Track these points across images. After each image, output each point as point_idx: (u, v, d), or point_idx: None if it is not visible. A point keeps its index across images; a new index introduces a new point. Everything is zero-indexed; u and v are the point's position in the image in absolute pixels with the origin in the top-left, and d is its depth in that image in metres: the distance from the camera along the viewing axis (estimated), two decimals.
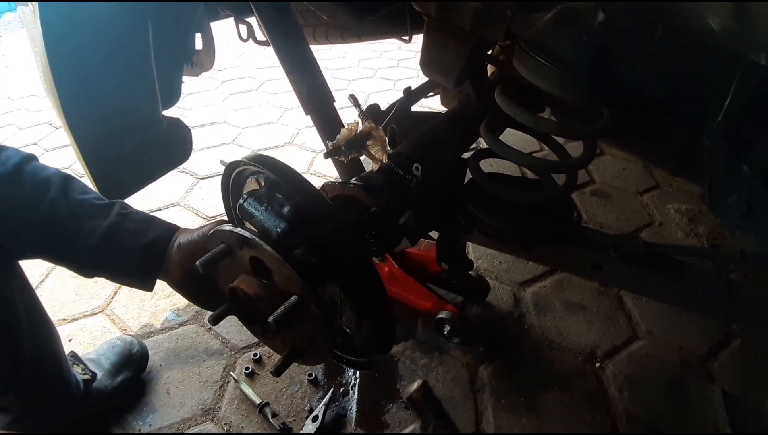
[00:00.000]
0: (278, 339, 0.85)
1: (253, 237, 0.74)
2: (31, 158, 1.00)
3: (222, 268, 0.84)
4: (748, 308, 1.06)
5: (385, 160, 0.94)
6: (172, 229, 1.03)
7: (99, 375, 1.28)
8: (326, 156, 0.92)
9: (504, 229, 1.09)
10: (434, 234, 1.38)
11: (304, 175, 2.26)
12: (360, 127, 0.92)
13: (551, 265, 1.21)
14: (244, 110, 2.95)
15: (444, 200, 1.10)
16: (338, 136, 0.91)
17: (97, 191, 1.16)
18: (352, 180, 0.95)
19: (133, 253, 0.98)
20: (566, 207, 1.16)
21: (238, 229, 0.76)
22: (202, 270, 0.77)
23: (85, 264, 1.01)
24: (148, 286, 1.03)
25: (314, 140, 2.55)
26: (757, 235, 0.99)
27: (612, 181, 2.24)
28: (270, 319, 0.70)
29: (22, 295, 1.01)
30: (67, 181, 1.00)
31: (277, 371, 0.77)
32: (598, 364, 1.41)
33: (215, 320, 0.79)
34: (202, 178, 2.25)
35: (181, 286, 1.00)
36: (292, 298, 0.72)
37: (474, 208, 1.10)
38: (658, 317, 1.56)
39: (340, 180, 1.18)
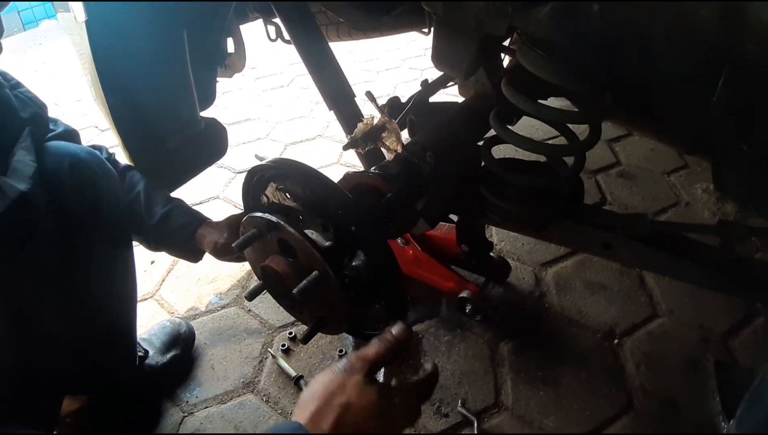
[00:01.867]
0: (306, 311, 0.95)
1: (280, 220, 0.84)
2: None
3: (255, 250, 0.96)
4: (760, 283, 1.09)
5: (400, 150, 1.02)
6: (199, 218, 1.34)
7: (151, 353, 1.43)
8: (345, 148, 1.01)
9: (515, 211, 1.15)
10: (454, 217, 1.46)
11: (335, 165, 2.34)
12: (375, 121, 1.01)
13: (565, 245, 1.27)
14: (277, 106, 3.07)
15: (458, 185, 1.17)
16: (355, 130, 1.00)
17: None
18: (371, 169, 1.04)
19: (178, 233, 1.26)
20: (576, 187, 1.22)
21: (267, 215, 0.86)
22: (238, 250, 0.90)
23: (150, 240, 1.32)
24: (194, 258, 1.37)
25: (343, 133, 2.64)
26: (761, 212, 1.03)
27: (639, 163, 2.24)
28: (294, 290, 0.80)
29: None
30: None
31: (305, 339, 0.88)
32: (616, 341, 1.46)
33: (251, 296, 0.91)
34: (239, 172, 2.38)
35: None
36: (313, 272, 0.82)
37: (487, 192, 1.17)
38: (679, 296, 1.59)
39: (362, 169, 1.27)
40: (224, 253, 1.30)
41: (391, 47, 3.77)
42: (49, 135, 1.13)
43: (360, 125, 0.99)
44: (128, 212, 1.24)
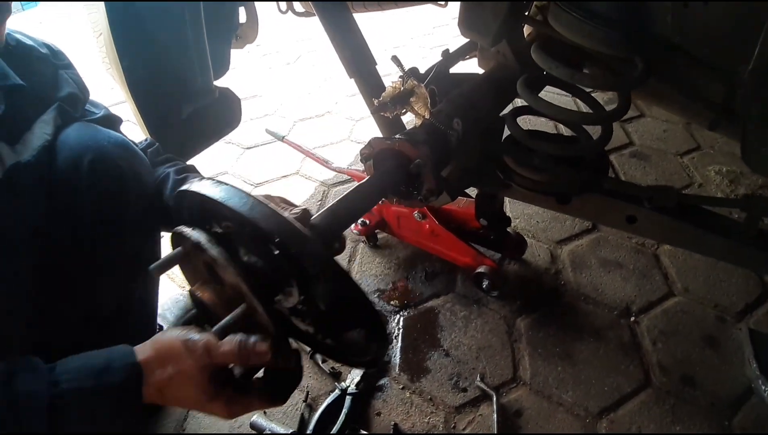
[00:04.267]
0: None
1: (201, 240, 0.70)
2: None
3: (189, 271, 0.82)
4: None
5: (427, 115, 1.00)
6: None
7: (165, 327, 1.41)
8: (373, 112, 0.99)
9: (541, 181, 1.13)
10: (472, 193, 1.45)
11: (345, 141, 2.31)
12: (404, 85, 0.98)
13: (587, 218, 1.25)
14: (285, 82, 3.03)
15: (483, 155, 1.15)
16: (383, 93, 0.98)
17: None
18: (397, 135, 1.02)
19: None
20: (601, 160, 1.20)
21: (190, 231, 0.71)
22: (156, 274, 0.73)
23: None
24: None
25: (353, 109, 2.62)
26: None
27: (652, 143, 2.22)
28: (213, 329, 0.67)
29: None
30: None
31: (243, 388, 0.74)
32: (633, 319, 1.46)
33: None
34: (248, 148, 2.35)
35: None
36: (239, 307, 0.68)
37: (512, 162, 1.15)
38: (694, 275, 1.58)
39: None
40: None
41: (396, 23, 3.72)
42: (89, 117, 1.08)
43: (389, 88, 0.97)
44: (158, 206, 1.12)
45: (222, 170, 2.20)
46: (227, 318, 0.68)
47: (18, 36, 1.00)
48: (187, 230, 0.72)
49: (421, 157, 0.97)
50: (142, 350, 0.73)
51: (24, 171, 0.92)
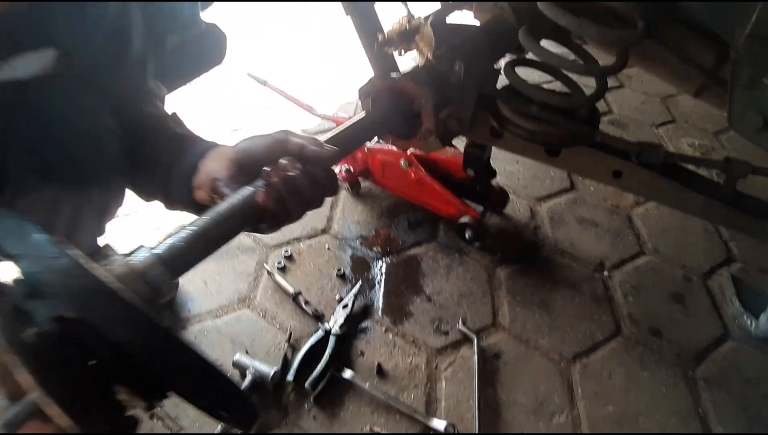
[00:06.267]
0: None
1: None
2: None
3: None
4: (754, 219, 1.14)
5: (430, 56, 0.99)
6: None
7: None
8: (377, 47, 0.97)
9: (535, 131, 1.15)
10: (460, 146, 1.46)
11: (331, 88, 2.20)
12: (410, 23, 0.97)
13: (574, 170, 1.29)
14: (274, 25, 2.90)
15: (480, 101, 1.16)
16: (389, 30, 0.96)
17: None
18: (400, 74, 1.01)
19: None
20: (593, 115, 1.22)
21: None
22: None
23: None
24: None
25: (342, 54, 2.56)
26: None
27: (630, 113, 2.28)
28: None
29: None
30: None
31: None
32: (606, 273, 1.52)
33: None
34: (226, 92, 2.28)
35: None
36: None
37: (508, 111, 1.16)
38: (664, 238, 1.66)
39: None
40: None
41: None
42: None
43: (395, 25, 0.96)
44: None
45: (197, 113, 2.12)
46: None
47: None
48: None
49: (423, 96, 0.97)
50: None
51: None
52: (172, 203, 0.91)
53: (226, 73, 2.31)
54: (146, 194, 1.00)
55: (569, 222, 1.67)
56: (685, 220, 1.74)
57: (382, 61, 1.28)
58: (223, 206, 0.66)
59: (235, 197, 0.67)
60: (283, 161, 0.69)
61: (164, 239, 0.60)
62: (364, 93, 1.04)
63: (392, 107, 1.00)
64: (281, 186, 0.67)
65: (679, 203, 1.22)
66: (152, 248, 0.58)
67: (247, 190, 0.68)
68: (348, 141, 0.92)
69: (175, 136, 0.92)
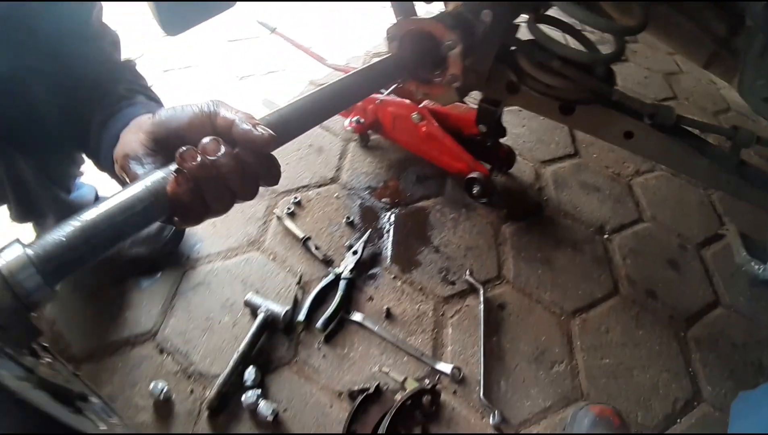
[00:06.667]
0: None
1: None
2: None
3: None
4: (755, 187, 1.18)
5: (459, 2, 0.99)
6: None
7: None
8: None
9: (554, 86, 1.17)
10: (473, 104, 1.47)
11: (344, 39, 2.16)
12: None
13: (585, 130, 1.31)
14: None
15: (502, 51, 1.17)
16: None
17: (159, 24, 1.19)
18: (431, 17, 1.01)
19: None
20: (610, 74, 1.24)
21: None
22: None
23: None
24: None
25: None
26: None
27: (632, 87, 2.30)
28: None
29: None
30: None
31: None
32: (606, 236, 1.56)
33: None
34: (233, 41, 2.24)
35: None
36: None
37: (527, 65, 1.17)
38: (663, 207, 1.71)
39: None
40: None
41: None
42: None
43: None
44: None
45: (203, 58, 2.10)
46: None
47: None
48: None
49: (453, 39, 0.97)
50: None
51: None
52: (108, 174, 0.78)
53: (235, 19, 2.27)
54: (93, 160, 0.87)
55: (572, 186, 1.70)
56: (683, 192, 1.79)
57: (406, 6, 1.28)
58: (125, 193, 0.54)
59: (141, 183, 0.55)
60: (205, 141, 0.55)
61: (40, 234, 0.49)
62: (391, 34, 1.04)
63: (419, 49, 1.01)
64: (197, 172, 0.54)
65: (685, 167, 1.26)
66: (27, 245, 0.48)
67: (157, 175, 0.55)
68: (372, 81, 0.93)
69: (113, 92, 0.79)
